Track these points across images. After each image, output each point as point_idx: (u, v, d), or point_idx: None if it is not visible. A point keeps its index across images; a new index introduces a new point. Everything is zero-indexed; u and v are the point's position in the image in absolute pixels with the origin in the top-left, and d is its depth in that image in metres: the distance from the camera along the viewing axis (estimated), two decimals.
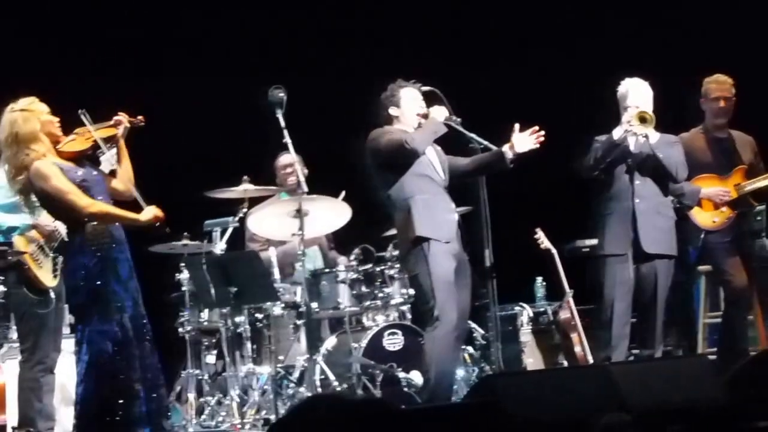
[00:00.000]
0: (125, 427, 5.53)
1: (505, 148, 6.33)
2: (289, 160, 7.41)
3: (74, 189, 5.64)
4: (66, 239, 5.88)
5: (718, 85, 7.32)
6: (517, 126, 6.30)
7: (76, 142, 5.77)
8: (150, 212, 5.70)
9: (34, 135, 5.66)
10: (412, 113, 6.41)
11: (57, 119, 5.77)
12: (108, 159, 5.85)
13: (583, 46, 9.39)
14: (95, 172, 5.81)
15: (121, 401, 5.53)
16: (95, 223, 5.65)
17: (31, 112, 5.70)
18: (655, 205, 6.68)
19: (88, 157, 5.82)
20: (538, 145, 6.30)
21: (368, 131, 6.41)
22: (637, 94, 6.70)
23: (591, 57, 9.15)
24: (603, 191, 6.75)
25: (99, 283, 5.59)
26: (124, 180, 5.88)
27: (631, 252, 6.64)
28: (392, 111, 6.43)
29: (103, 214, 5.67)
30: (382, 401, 4.00)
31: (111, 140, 5.83)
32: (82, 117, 5.76)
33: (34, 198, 5.81)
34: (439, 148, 6.50)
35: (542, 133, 6.29)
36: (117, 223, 5.72)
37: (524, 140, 6.30)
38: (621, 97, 6.77)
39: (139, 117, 5.92)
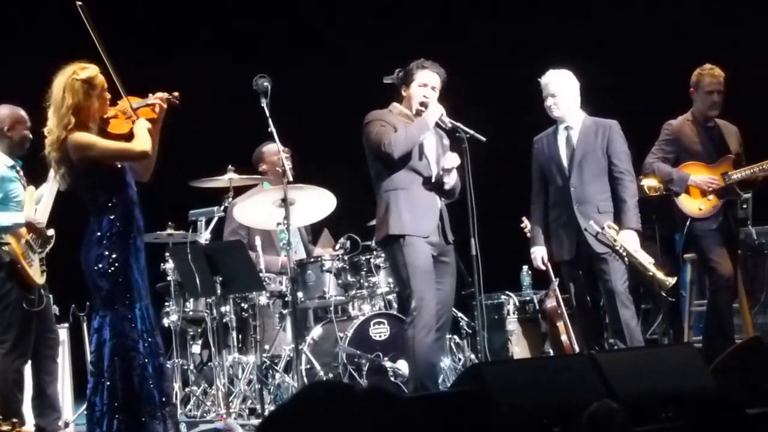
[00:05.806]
0: (150, 416, 5.50)
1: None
2: (277, 148, 7.31)
3: (118, 143, 5.53)
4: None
5: (713, 79, 7.29)
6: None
7: (119, 122, 5.62)
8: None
9: (92, 114, 5.53)
10: (417, 99, 6.28)
11: (109, 96, 5.62)
12: None
13: (569, 38, 9.39)
14: None
15: (145, 387, 5.50)
16: (115, 211, 5.52)
17: (93, 89, 5.52)
18: (594, 206, 6.71)
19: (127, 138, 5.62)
20: (456, 164, 6.26)
21: (361, 117, 6.34)
22: (556, 85, 6.73)
23: (578, 47, 9.15)
24: (545, 199, 6.84)
25: (123, 271, 5.53)
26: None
27: (579, 254, 6.70)
28: (402, 91, 6.36)
29: (151, 143, 5.56)
30: (386, 390, 3.96)
31: (151, 122, 5.66)
32: (80, 10, 5.50)
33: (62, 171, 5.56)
34: (447, 141, 6.41)
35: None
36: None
37: (450, 157, 6.29)
38: (543, 87, 6.81)
39: (175, 93, 5.75)
